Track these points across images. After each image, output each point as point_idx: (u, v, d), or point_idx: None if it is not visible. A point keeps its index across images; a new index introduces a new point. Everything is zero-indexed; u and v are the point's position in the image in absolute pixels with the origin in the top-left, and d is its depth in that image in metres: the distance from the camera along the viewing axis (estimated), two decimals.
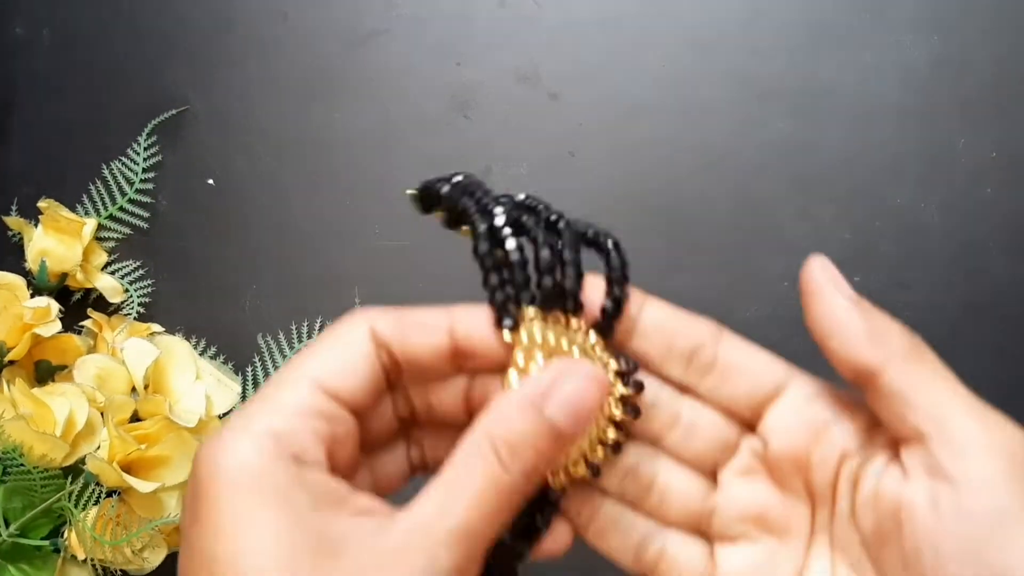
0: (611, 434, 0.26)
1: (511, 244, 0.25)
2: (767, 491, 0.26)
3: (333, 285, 0.53)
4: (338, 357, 0.24)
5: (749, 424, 0.27)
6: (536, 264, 0.25)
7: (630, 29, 0.54)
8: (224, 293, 0.54)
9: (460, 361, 0.25)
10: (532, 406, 0.23)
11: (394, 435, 0.27)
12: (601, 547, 0.27)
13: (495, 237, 0.25)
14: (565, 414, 0.23)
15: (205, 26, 0.56)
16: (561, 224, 0.26)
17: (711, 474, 0.27)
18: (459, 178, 0.26)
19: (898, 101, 0.53)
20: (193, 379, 0.49)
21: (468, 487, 0.22)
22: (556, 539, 0.26)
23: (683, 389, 0.27)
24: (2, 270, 0.50)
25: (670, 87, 0.54)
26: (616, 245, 0.26)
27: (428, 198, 0.26)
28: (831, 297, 0.25)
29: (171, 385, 0.49)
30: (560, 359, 0.24)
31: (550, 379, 0.23)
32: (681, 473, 0.27)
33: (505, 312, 0.25)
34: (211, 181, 0.55)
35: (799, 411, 0.26)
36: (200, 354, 0.52)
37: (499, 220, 0.25)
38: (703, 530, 0.27)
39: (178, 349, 0.49)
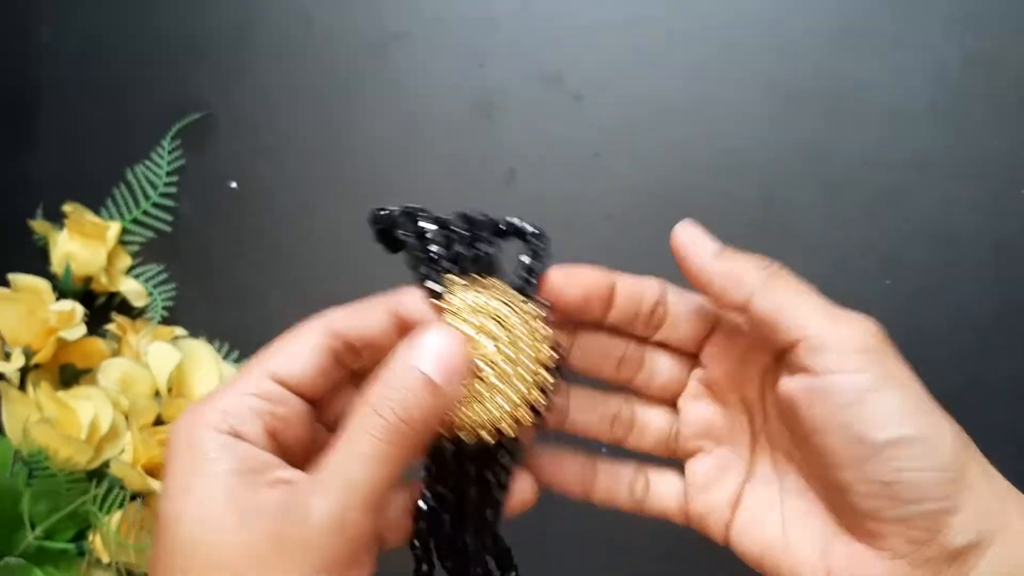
0: (545, 375, 0.30)
1: (430, 226, 0.29)
2: (713, 409, 0.33)
3: (355, 289, 0.53)
4: (288, 350, 0.29)
5: (694, 357, 0.33)
6: (448, 243, 0.29)
7: (655, 30, 0.54)
8: (247, 296, 0.54)
9: (405, 334, 0.29)
10: (403, 362, 0.27)
11: None
12: (606, 502, 0.33)
13: (417, 228, 0.30)
14: (433, 364, 0.27)
15: (228, 31, 0.56)
16: (479, 218, 0.30)
17: (672, 405, 0.34)
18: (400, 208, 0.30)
19: (929, 101, 0.52)
20: (216, 382, 0.49)
21: (358, 446, 0.26)
22: (521, 494, 0.32)
23: (642, 340, 0.33)
24: (28, 274, 0.50)
25: (696, 88, 0.53)
26: (536, 230, 0.31)
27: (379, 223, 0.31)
28: (695, 256, 0.31)
29: (194, 388, 0.49)
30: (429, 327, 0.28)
31: (418, 341, 0.27)
32: (651, 410, 0.34)
33: (431, 281, 0.29)
34: (234, 185, 0.55)
35: (727, 342, 0.32)
36: (223, 357, 0.52)
37: (424, 223, 0.30)
38: (672, 451, 0.34)
39: (201, 352, 0.49)
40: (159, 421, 0.47)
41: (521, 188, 0.53)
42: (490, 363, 0.28)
